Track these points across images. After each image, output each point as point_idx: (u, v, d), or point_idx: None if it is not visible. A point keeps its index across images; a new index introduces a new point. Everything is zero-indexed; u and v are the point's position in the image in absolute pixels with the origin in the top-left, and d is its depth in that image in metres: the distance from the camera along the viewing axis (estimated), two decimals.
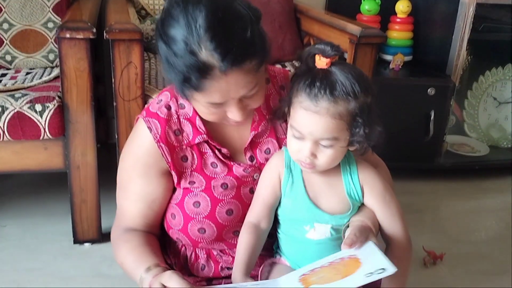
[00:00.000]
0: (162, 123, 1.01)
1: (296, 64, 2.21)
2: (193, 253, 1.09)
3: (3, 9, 2.02)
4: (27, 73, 1.98)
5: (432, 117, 2.35)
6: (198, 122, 1.02)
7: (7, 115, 1.65)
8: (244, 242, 0.99)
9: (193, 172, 1.03)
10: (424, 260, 1.89)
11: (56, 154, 1.76)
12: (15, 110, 1.65)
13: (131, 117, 1.68)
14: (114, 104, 1.68)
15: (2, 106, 1.65)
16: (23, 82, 1.85)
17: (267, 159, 1.04)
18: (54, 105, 1.68)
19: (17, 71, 2.01)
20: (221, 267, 1.09)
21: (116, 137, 1.72)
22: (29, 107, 1.66)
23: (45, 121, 1.68)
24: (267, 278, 1.01)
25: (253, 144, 1.06)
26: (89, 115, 1.71)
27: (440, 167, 2.52)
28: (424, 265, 1.89)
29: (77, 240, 1.87)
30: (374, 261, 0.83)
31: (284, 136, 1.05)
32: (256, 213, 1.00)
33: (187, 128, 1.02)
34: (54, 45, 2.05)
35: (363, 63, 1.90)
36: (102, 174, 1.78)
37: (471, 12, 2.25)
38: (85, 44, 1.62)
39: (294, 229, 1.00)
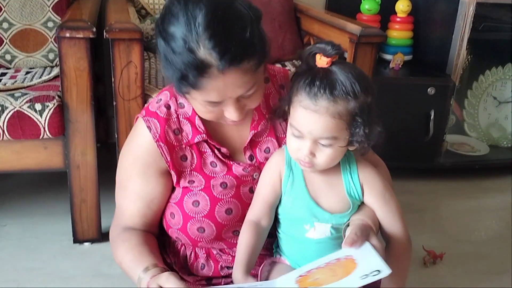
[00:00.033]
0: (161, 123, 1.01)
1: (296, 63, 2.21)
2: (192, 252, 1.09)
3: (3, 9, 2.01)
4: (27, 73, 1.98)
5: (432, 117, 2.35)
6: (198, 122, 1.02)
7: (7, 114, 1.65)
8: (245, 240, 0.99)
9: (192, 172, 1.03)
10: (424, 259, 1.89)
11: (56, 154, 1.76)
12: (15, 110, 1.65)
13: (131, 117, 1.68)
14: (114, 103, 1.68)
15: (2, 106, 1.65)
16: (23, 82, 1.85)
17: (266, 158, 1.04)
18: (54, 104, 1.68)
19: (17, 71, 2.01)
20: (221, 266, 1.09)
21: (116, 136, 1.72)
22: (28, 107, 1.66)
23: (45, 120, 1.68)
24: (267, 278, 1.01)
25: (253, 143, 1.06)
26: (89, 114, 1.71)
27: (440, 166, 2.52)
28: (424, 264, 1.89)
29: (77, 240, 1.87)
30: (370, 263, 0.84)
31: (284, 135, 1.05)
32: (257, 211, 1.00)
33: (187, 128, 1.02)
34: (54, 44, 2.05)
35: (363, 63, 1.90)
36: (102, 174, 1.78)
37: (471, 11, 2.25)
38: (85, 43, 1.62)
39: (294, 229, 1.00)
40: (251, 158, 1.06)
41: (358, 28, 1.87)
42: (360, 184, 0.98)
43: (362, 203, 0.99)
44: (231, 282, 1.05)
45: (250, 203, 1.02)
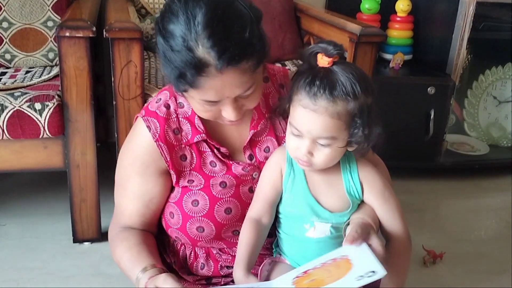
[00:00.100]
0: (161, 122, 1.01)
1: (296, 62, 2.21)
2: (192, 252, 1.09)
3: (3, 8, 2.01)
4: (27, 72, 1.98)
5: (432, 116, 2.35)
6: (197, 121, 1.02)
7: (7, 114, 1.65)
8: (245, 237, 0.98)
9: (192, 171, 1.03)
10: (424, 259, 1.89)
11: (56, 153, 1.76)
12: (15, 109, 1.65)
13: (131, 116, 1.68)
14: (114, 103, 1.68)
15: (2, 105, 1.65)
16: (22, 81, 1.85)
17: (266, 158, 1.04)
18: (54, 104, 1.68)
19: (17, 70, 2.01)
20: (221, 266, 1.09)
21: (116, 136, 1.72)
22: (28, 106, 1.66)
23: (45, 120, 1.68)
24: (267, 277, 1.01)
25: (253, 143, 1.06)
26: (88, 114, 1.70)
27: (440, 166, 2.52)
28: (424, 264, 1.88)
29: (77, 239, 1.87)
30: (365, 263, 0.84)
31: (284, 135, 1.05)
32: (258, 209, 1.00)
33: (186, 127, 1.02)
34: (53, 43, 2.05)
35: (363, 62, 1.89)
36: (102, 173, 1.78)
37: (471, 10, 2.24)
38: (84, 42, 1.62)
39: (294, 228, 1.00)
40: (250, 157, 1.05)
41: (358, 27, 1.87)
42: (360, 183, 0.98)
43: (362, 202, 0.99)
44: (231, 282, 1.06)
45: (249, 203, 1.02)
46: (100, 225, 1.86)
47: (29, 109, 1.66)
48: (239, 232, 1.01)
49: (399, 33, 2.49)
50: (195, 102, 0.93)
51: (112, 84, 1.66)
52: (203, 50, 0.84)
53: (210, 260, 1.09)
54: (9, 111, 1.65)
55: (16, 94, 1.69)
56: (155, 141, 1.00)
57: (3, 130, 1.66)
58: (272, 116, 1.05)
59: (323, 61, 0.90)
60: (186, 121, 1.02)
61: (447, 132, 2.45)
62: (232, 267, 0.99)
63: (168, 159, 1.01)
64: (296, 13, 2.38)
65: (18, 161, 1.74)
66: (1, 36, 2.02)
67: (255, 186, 1.03)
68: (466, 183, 2.53)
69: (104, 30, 1.59)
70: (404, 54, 2.45)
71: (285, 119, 1.01)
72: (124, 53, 1.62)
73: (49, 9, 2.06)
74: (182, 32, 0.84)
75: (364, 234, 0.90)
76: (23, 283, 1.67)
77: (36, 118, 1.67)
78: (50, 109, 1.67)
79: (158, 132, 1.01)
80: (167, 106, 1.03)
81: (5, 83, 1.81)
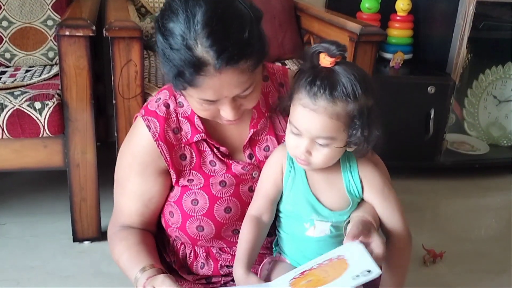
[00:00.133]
0: (161, 122, 1.01)
1: (296, 62, 2.21)
2: (192, 251, 1.09)
3: (3, 7, 2.01)
4: (27, 71, 1.97)
5: (432, 116, 2.35)
6: (197, 121, 1.01)
7: (6, 113, 1.65)
8: (246, 235, 0.98)
9: (191, 171, 1.03)
10: (424, 258, 1.89)
11: (56, 152, 1.75)
12: (14, 108, 1.65)
13: (130, 115, 1.68)
14: (114, 102, 1.68)
15: (2, 104, 1.65)
16: (22, 80, 1.85)
17: (266, 157, 1.04)
18: (54, 103, 1.68)
19: (17, 69, 2.00)
20: (221, 265, 1.09)
21: (116, 135, 1.72)
22: (28, 105, 1.66)
23: (45, 119, 1.67)
24: (267, 276, 1.01)
25: (252, 142, 1.05)
26: (88, 113, 1.70)
27: (440, 165, 2.52)
28: (424, 263, 1.88)
29: (77, 238, 1.87)
30: (361, 263, 0.84)
31: (283, 134, 1.05)
32: (258, 206, 1.00)
33: (186, 127, 1.02)
34: (53, 42, 2.05)
35: (363, 61, 1.89)
36: (102, 172, 1.78)
37: (471, 10, 2.24)
38: (84, 41, 1.62)
39: (294, 227, 1.00)
40: (250, 156, 1.05)
41: (358, 26, 1.87)
42: (360, 181, 0.98)
43: (362, 200, 0.99)
44: (231, 281, 1.06)
45: (249, 202, 1.02)
46: (100, 224, 1.86)
47: (29, 108, 1.66)
48: (238, 231, 1.01)
49: (399, 32, 2.48)
50: (193, 101, 0.93)
51: (112, 83, 1.66)
52: (202, 49, 0.84)
53: (210, 260, 1.09)
54: (9, 110, 1.65)
55: (16, 93, 1.69)
56: (155, 141, 1.00)
57: (3, 129, 1.66)
58: (272, 114, 1.05)
59: (325, 61, 0.90)
60: (186, 121, 1.02)
61: (447, 131, 2.45)
62: (232, 266, 0.99)
63: (168, 158, 1.01)
64: (296, 12, 2.38)
65: (18, 160, 1.74)
66: (1, 35, 2.02)
67: (255, 185, 1.03)
68: (466, 183, 2.53)
69: (104, 29, 1.59)
70: (404, 53, 2.45)
71: (285, 117, 1.01)
72: (124, 52, 1.62)
73: (49, 8, 2.06)
74: (181, 30, 0.84)
75: (365, 230, 0.90)
76: (23, 282, 1.67)
77: (36, 117, 1.67)
78: (50, 108, 1.67)
79: (158, 132, 1.01)
80: (167, 106, 1.03)
81: (5, 82, 1.81)
